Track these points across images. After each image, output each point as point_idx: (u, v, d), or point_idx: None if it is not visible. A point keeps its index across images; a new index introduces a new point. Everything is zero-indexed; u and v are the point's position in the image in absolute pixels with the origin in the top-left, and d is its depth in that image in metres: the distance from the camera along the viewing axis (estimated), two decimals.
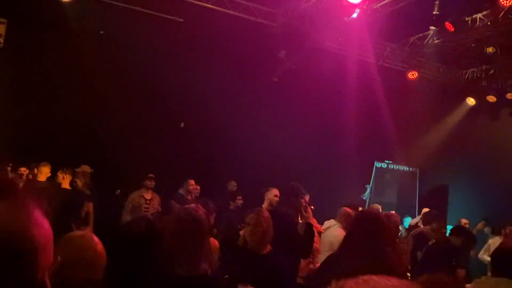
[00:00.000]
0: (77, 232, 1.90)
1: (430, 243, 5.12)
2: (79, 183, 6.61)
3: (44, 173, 6.29)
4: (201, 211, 2.44)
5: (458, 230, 5.16)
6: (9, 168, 6.53)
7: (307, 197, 4.39)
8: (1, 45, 7.81)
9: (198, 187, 7.62)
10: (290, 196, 4.32)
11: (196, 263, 2.29)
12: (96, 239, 1.83)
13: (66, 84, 8.08)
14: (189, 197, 7.24)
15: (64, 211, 4.33)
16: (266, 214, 3.19)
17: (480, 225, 7.85)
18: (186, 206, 2.53)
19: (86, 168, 7.63)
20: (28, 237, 0.74)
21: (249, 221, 3.12)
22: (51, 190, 6.16)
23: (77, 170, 7.06)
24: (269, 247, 3.10)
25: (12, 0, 7.39)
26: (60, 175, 6.39)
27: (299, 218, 4.34)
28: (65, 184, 6.39)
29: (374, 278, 0.96)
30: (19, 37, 7.81)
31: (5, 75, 7.67)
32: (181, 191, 7.30)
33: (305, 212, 4.27)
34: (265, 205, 5.06)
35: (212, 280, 2.34)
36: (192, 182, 7.44)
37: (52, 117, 7.99)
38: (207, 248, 2.43)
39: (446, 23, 7.52)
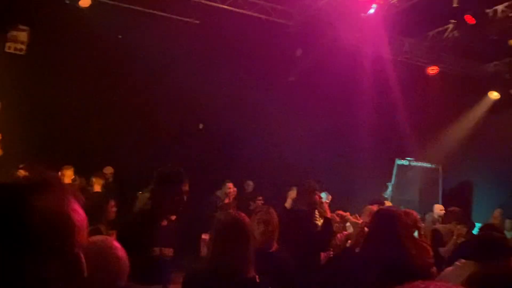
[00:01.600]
0: (97, 237, 1.89)
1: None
2: (99, 184, 6.74)
3: (68, 176, 6.42)
4: (245, 216, 2.42)
5: (488, 227, 4.99)
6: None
7: (322, 194, 4.42)
8: (24, 52, 8.01)
9: (235, 189, 7.69)
10: (305, 194, 4.33)
11: (240, 268, 2.26)
12: (116, 244, 1.81)
13: (87, 89, 8.23)
14: (226, 200, 7.27)
15: (92, 213, 4.42)
16: (274, 212, 3.18)
17: (497, 213, 7.57)
18: (230, 211, 2.52)
19: (108, 170, 7.79)
20: (69, 218, 0.95)
21: (259, 220, 3.11)
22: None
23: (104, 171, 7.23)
24: (275, 245, 3.09)
25: (33, 8, 7.56)
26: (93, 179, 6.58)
27: (316, 214, 4.36)
28: (97, 188, 6.55)
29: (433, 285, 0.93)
30: (41, 44, 8.00)
31: (29, 82, 7.87)
32: (218, 193, 7.36)
33: (321, 207, 4.29)
34: (287, 204, 5.09)
35: (260, 286, 2.30)
36: (230, 185, 7.53)
37: (74, 120, 8.15)
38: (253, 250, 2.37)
39: (466, 15, 7.37)
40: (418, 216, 4.66)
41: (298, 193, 4.64)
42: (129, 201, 7.51)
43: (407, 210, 4.65)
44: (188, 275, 2.41)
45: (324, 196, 6.87)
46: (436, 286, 0.90)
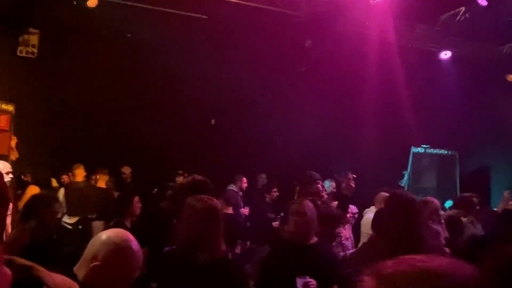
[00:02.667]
0: (113, 230, 1.90)
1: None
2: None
3: (79, 174, 6.52)
4: (214, 199, 2.56)
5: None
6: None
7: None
8: (35, 55, 8.10)
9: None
10: (307, 185, 4.30)
11: (215, 248, 2.38)
12: (131, 236, 1.82)
13: (98, 88, 8.28)
14: (241, 193, 7.30)
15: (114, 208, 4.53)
16: (310, 204, 3.16)
17: (506, 195, 7.35)
18: (200, 195, 2.59)
19: (126, 169, 7.87)
20: None
21: (292, 212, 3.11)
22: (89, 189, 6.47)
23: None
24: (315, 238, 3.07)
25: (43, 10, 7.63)
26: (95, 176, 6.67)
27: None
28: (101, 184, 6.65)
29: (417, 257, 0.93)
30: (51, 46, 8.08)
31: (41, 84, 7.96)
32: (232, 187, 7.39)
33: (321, 198, 4.28)
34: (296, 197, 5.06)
35: (232, 262, 2.44)
36: (245, 179, 7.55)
37: (87, 120, 8.22)
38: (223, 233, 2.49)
39: None
40: (438, 204, 4.58)
41: (300, 185, 4.62)
42: (146, 199, 7.58)
43: (428, 198, 4.59)
44: (164, 255, 2.51)
45: (328, 184, 6.82)
46: (420, 258, 0.89)
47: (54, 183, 7.23)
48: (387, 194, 4.86)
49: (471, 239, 4.40)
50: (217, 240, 2.41)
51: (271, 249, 3.46)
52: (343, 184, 4.42)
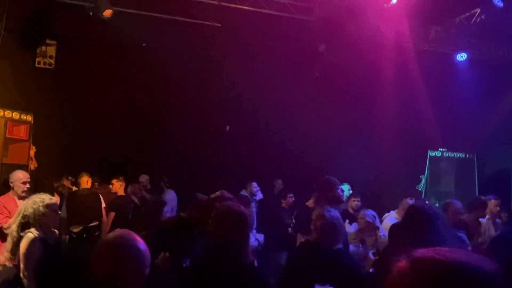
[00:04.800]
0: (120, 231, 1.93)
1: None
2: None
3: (83, 182, 6.52)
4: (242, 206, 2.58)
5: None
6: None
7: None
8: (53, 66, 8.23)
9: (259, 188, 7.77)
10: (325, 190, 4.24)
11: (242, 255, 2.37)
12: (137, 237, 1.84)
13: (115, 97, 8.39)
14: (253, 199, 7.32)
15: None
16: (333, 213, 3.16)
17: None
18: (227, 202, 2.60)
19: (143, 177, 7.92)
20: None
21: (315, 218, 3.12)
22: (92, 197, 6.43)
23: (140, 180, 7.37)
24: (341, 244, 3.07)
25: (59, 22, 7.76)
26: (116, 183, 6.70)
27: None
28: (121, 191, 6.68)
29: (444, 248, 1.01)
30: (68, 57, 8.21)
31: (59, 94, 8.08)
32: (244, 192, 7.41)
33: (340, 204, 4.25)
34: (309, 203, 5.01)
35: (258, 270, 2.41)
36: (255, 184, 7.63)
37: (104, 129, 8.31)
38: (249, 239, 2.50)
39: None
40: (459, 205, 4.52)
41: (318, 191, 4.56)
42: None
43: (449, 200, 4.54)
44: (191, 262, 2.50)
45: (347, 188, 6.77)
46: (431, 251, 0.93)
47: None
48: (411, 201, 4.84)
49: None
50: (244, 247, 2.40)
51: (293, 255, 3.44)
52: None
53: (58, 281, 1.94)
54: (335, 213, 3.14)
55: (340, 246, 3.07)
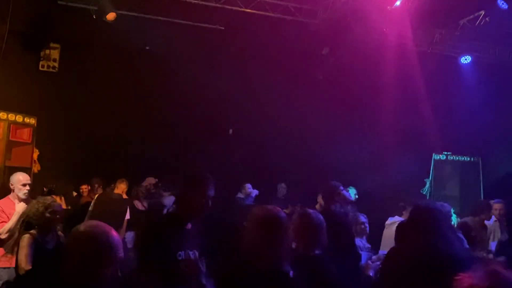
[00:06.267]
0: (87, 223, 1.94)
1: None
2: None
3: (119, 187, 6.51)
4: (278, 209, 2.48)
5: None
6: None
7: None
8: (57, 69, 8.24)
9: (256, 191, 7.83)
10: (330, 195, 4.23)
11: (275, 258, 2.30)
12: (107, 228, 1.85)
13: (118, 100, 8.38)
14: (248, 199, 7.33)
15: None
16: (314, 215, 3.08)
17: None
18: (267, 205, 2.52)
19: (150, 180, 7.87)
20: None
21: (294, 222, 3.03)
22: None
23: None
24: (317, 249, 2.97)
25: (63, 25, 7.78)
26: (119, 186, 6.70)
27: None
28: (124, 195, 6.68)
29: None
30: (72, 60, 8.22)
31: (62, 97, 8.09)
32: (240, 195, 7.38)
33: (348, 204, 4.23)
34: (318, 206, 5.00)
35: (291, 279, 2.32)
36: (249, 185, 7.73)
37: (107, 132, 8.30)
38: (289, 246, 2.43)
39: (498, 1, 7.09)
40: (450, 208, 4.49)
41: (323, 196, 4.55)
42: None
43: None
44: (224, 267, 2.43)
45: (354, 192, 6.74)
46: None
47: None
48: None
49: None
50: (277, 249, 2.32)
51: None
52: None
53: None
54: (316, 215, 3.04)
55: (318, 252, 2.94)
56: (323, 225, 3.02)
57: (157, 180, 7.72)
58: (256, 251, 2.30)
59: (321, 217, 3.07)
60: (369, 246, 5.29)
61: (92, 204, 6.12)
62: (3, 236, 4.01)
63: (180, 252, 2.58)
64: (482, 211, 5.69)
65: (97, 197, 6.32)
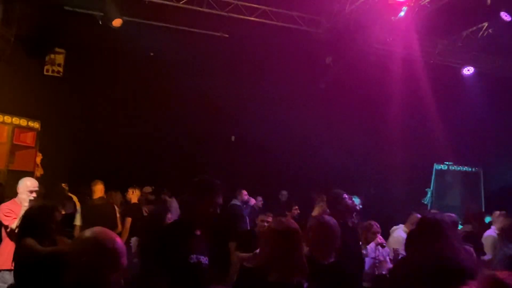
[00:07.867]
0: (93, 229, 1.94)
1: None
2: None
3: (98, 190, 6.43)
4: (294, 222, 2.47)
5: None
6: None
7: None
8: (61, 74, 8.28)
9: (261, 198, 7.89)
10: (334, 202, 4.23)
11: (288, 270, 2.29)
12: (113, 234, 1.85)
13: (122, 106, 8.42)
14: (244, 206, 7.33)
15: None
16: (332, 221, 3.08)
17: None
18: (280, 218, 2.54)
19: (147, 189, 7.86)
20: None
21: (310, 228, 3.03)
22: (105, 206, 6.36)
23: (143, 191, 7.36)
24: (333, 256, 2.98)
25: (69, 30, 7.82)
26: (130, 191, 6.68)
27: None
28: (134, 199, 6.68)
29: None
30: (76, 65, 8.26)
31: (66, 102, 8.11)
32: (235, 201, 7.38)
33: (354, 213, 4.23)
34: (314, 213, 4.99)
35: None
36: (245, 192, 7.67)
37: (111, 138, 8.32)
38: (301, 258, 2.39)
39: (501, 13, 7.14)
40: (456, 218, 4.51)
41: (327, 203, 4.54)
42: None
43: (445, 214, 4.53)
44: (238, 281, 2.43)
45: (358, 202, 6.73)
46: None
47: (75, 199, 7.25)
48: (419, 216, 4.83)
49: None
50: (291, 262, 2.30)
51: None
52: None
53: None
54: (333, 222, 3.01)
55: (332, 259, 2.92)
56: (340, 233, 3.03)
57: (153, 188, 7.75)
58: (269, 264, 2.30)
59: (337, 223, 3.06)
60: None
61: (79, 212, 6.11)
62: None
63: (191, 256, 2.60)
64: (474, 220, 5.73)
65: (82, 207, 6.32)
